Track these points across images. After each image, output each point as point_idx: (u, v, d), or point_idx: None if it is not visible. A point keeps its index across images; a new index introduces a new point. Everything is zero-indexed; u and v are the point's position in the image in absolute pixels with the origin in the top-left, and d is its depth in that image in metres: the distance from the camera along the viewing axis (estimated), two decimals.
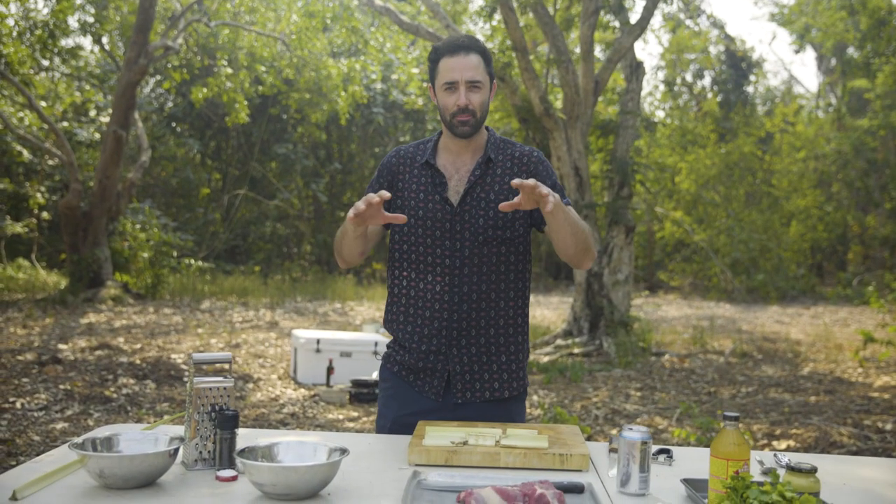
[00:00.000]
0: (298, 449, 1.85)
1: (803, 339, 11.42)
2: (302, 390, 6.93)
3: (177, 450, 1.81)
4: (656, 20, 24.93)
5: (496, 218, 2.30)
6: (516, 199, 2.06)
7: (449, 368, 2.34)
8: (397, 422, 2.38)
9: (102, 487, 1.73)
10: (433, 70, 2.32)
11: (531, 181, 2.01)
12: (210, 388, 1.95)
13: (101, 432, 1.96)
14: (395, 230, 2.39)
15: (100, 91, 17.42)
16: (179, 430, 2.10)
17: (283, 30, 15.15)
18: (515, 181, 2.01)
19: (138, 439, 1.87)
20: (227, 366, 2.04)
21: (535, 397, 6.97)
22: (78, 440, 1.82)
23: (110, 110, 14.42)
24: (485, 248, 2.31)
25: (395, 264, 2.41)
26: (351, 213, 2.08)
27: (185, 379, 7.02)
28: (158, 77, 18.48)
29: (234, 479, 1.83)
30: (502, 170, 2.35)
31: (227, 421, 1.90)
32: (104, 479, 1.71)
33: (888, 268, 19.70)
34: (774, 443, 5.59)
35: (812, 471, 1.73)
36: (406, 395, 2.39)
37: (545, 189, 2.00)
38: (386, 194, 2.06)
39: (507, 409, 2.39)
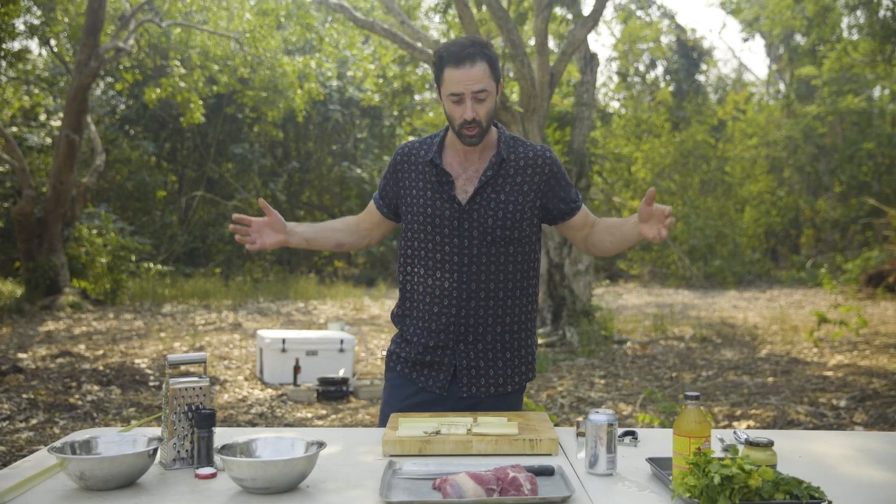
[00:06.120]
0: (276, 444, 1.89)
1: (760, 322, 11.68)
2: (269, 390, 6.93)
3: (156, 450, 1.84)
4: (608, 11, 25.19)
5: (505, 218, 2.34)
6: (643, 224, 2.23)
7: (455, 363, 2.40)
8: (403, 408, 2.42)
9: (83, 490, 1.76)
10: (438, 77, 2.31)
11: (667, 210, 2.17)
12: (186, 388, 1.98)
13: (79, 435, 1.98)
14: (405, 228, 2.44)
15: (49, 95, 17.09)
16: (156, 431, 2.12)
17: (236, 28, 15.01)
18: (667, 211, 2.17)
19: (116, 441, 1.90)
20: (201, 366, 2.07)
21: None
22: (57, 444, 1.84)
23: (61, 114, 14.16)
24: (493, 247, 2.36)
25: (405, 261, 2.46)
26: (262, 243, 2.44)
27: (152, 383, 6.98)
28: (109, 79, 18.19)
29: (213, 476, 1.86)
30: (514, 170, 2.37)
31: (204, 420, 1.93)
32: (85, 481, 1.74)
33: (839, 250, 20.22)
34: (735, 423, 5.75)
35: (769, 444, 1.82)
36: (408, 388, 2.46)
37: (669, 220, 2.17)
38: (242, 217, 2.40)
39: (507, 402, 2.46)
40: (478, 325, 2.36)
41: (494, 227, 2.33)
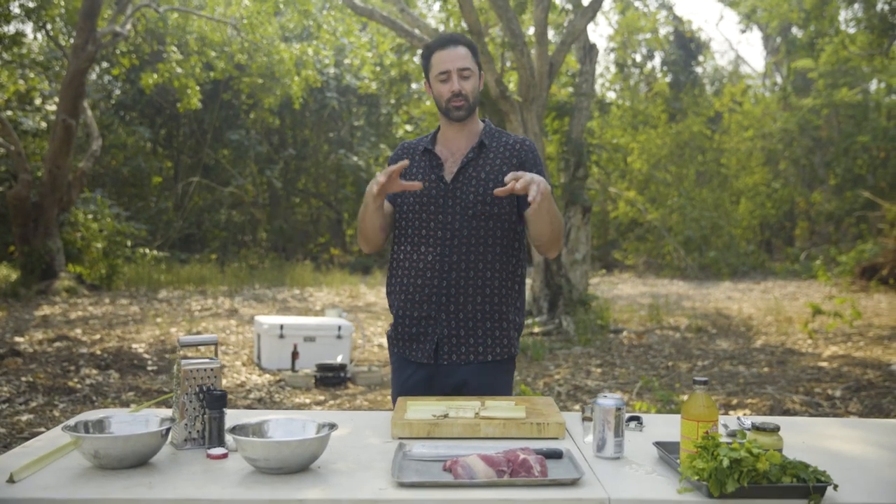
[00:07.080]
0: (288, 425, 1.91)
1: (755, 313, 11.74)
2: (267, 376, 6.95)
3: (168, 430, 1.86)
4: (606, 2, 25.14)
5: (485, 194, 2.52)
6: (509, 186, 2.25)
7: (438, 332, 2.54)
8: (402, 389, 2.61)
9: (97, 468, 1.77)
10: (427, 65, 2.60)
11: (522, 180, 2.21)
12: (197, 370, 1.99)
13: (92, 415, 1.99)
14: (397, 210, 2.61)
15: (44, 79, 16.99)
16: (166, 412, 2.14)
17: (233, 14, 14.95)
18: (508, 176, 2.24)
19: (129, 421, 1.92)
20: (212, 348, 2.09)
21: None
22: (70, 423, 1.86)
23: (56, 98, 14.10)
24: (474, 221, 2.52)
25: (395, 241, 2.65)
26: (374, 186, 2.35)
27: (150, 367, 6.99)
28: (105, 64, 18.11)
29: (224, 456, 1.88)
30: (494, 154, 2.60)
31: (215, 401, 1.95)
32: (99, 459, 1.75)
33: (833, 242, 20.29)
34: (731, 413, 5.79)
35: (775, 429, 1.85)
36: (406, 366, 2.64)
37: (534, 188, 2.20)
38: (405, 163, 2.34)
39: (491, 373, 2.56)
40: (458, 295, 2.52)
41: (475, 203, 2.51)
